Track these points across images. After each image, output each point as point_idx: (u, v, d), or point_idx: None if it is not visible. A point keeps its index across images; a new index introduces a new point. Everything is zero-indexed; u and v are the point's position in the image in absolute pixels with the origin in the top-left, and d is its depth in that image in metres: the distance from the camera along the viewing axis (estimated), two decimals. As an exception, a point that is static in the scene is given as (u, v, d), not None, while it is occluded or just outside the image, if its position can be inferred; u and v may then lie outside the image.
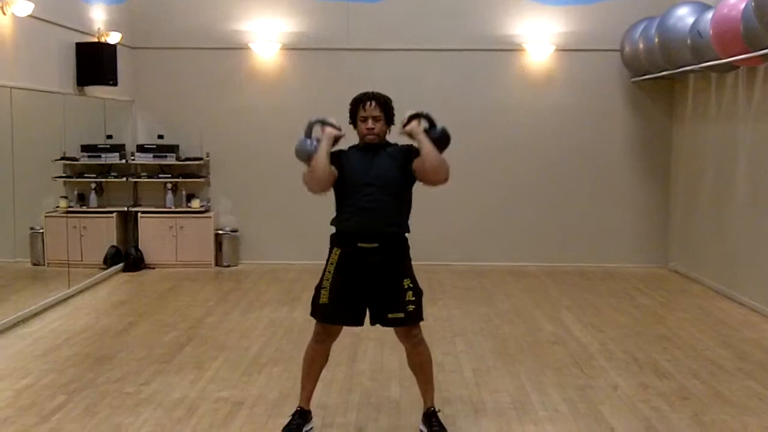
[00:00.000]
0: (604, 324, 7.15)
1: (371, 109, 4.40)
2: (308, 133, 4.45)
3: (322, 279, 4.44)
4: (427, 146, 4.33)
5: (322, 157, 4.34)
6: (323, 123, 4.44)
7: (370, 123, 4.39)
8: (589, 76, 9.93)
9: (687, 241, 9.44)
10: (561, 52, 9.88)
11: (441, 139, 4.40)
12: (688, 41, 7.77)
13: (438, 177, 4.38)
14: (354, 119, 4.47)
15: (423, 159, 4.33)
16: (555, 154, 9.98)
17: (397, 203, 4.42)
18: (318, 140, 4.40)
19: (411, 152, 4.42)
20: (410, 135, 4.40)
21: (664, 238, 10.01)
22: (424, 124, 4.43)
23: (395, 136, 4.51)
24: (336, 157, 4.41)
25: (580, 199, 10.04)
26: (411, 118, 4.43)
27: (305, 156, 4.43)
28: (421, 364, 4.53)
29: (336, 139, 4.42)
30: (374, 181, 4.35)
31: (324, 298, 4.41)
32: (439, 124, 4.44)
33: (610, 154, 10.02)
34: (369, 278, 4.36)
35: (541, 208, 10.05)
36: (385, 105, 4.44)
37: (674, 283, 9.14)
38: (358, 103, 4.44)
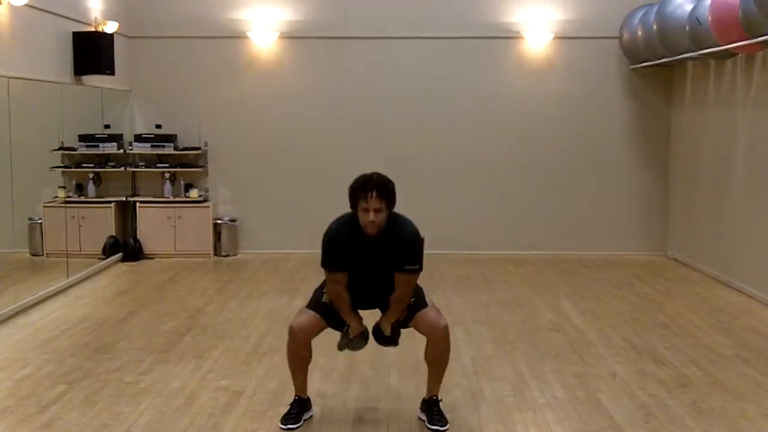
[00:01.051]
0: (603, 312, 7.16)
1: (372, 201, 4.21)
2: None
3: (323, 285, 4.51)
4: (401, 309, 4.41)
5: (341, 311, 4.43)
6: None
7: (371, 216, 4.23)
8: (588, 63, 9.91)
9: (686, 229, 9.44)
10: (559, 40, 9.85)
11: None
12: (687, 28, 7.75)
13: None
14: (354, 205, 4.31)
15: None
16: (554, 142, 9.97)
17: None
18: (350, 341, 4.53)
19: (401, 254, 4.32)
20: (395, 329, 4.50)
21: (663, 226, 10.01)
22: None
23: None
24: (340, 254, 4.35)
25: (579, 187, 10.04)
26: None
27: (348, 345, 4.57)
28: (440, 358, 4.48)
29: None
30: (373, 275, 4.37)
31: (326, 299, 4.46)
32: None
33: (608, 142, 10.01)
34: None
35: (540, 196, 10.05)
36: (387, 193, 4.26)
37: (673, 270, 9.14)
38: (358, 193, 4.25)
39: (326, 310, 4.46)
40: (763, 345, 6.12)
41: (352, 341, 4.54)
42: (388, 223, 4.31)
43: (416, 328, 4.51)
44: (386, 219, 4.29)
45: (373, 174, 4.32)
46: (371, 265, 4.36)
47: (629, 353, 5.89)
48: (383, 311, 4.51)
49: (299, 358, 4.49)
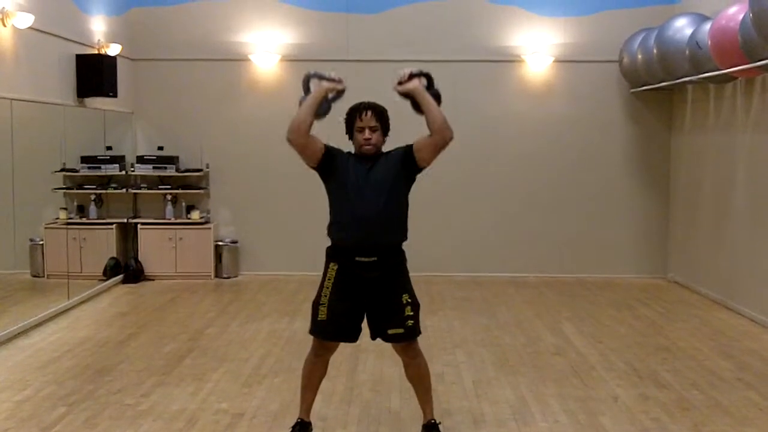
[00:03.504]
0: (604, 335, 7.15)
1: (368, 119, 4.36)
2: (306, 89, 4.46)
3: (320, 295, 4.41)
4: (431, 104, 4.35)
5: (306, 105, 4.38)
6: (320, 77, 4.43)
7: (367, 133, 4.36)
8: (588, 87, 9.96)
9: (686, 252, 9.45)
10: (560, 63, 9.91)
11: (437, 99, 4.43)
12: (687, 52, 7.80)
13: (446, 134, 4.33)
14: (350, 129, 4.43)
15: (430, 119, 4.33)
16: (554, 165, 10.00)
17: (395, 210, 4.38)
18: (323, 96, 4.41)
19: (406, 151, 4.40)
20: (407, 95, 4.40)
21: (664, 249, 10.02)
22: (424, 82, 4.43)
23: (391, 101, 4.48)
24: (334, 156, 4.39)
25: (580, 209, 10.05)
26: (412, 76, 4.41)
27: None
28: (419, 376, 4.53)
29: (338, 93, 4.44)
30: (372, 188, 4.31)
31: (323, 315, 4.40)
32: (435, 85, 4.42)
33: (609, 165, 10.03)
34: (367, 294, 4.36)
35: (540, 218, 10.06)
36: (381, 115, 4.41)
37: (674, 293, 9.14)
38: (354, 113, 4.40)
39: (333, 327, 4.41)
40: (764, 368, 6.11)
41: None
42: (383, 153, 4.42)
43: (393, 346, 4.48)
44: (381, 143, 4.40)
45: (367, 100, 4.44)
46: (368, 185, 4.33)
47: (630, 377, 5.88)
48: (377, 330, 4.46)
49: (317, 374, 4.51)
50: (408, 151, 4.39)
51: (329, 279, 4.40)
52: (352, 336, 4.46)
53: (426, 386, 4.55)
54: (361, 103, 4.43)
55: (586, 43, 9.89)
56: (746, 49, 6.57)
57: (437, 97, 4.42)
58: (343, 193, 4.35)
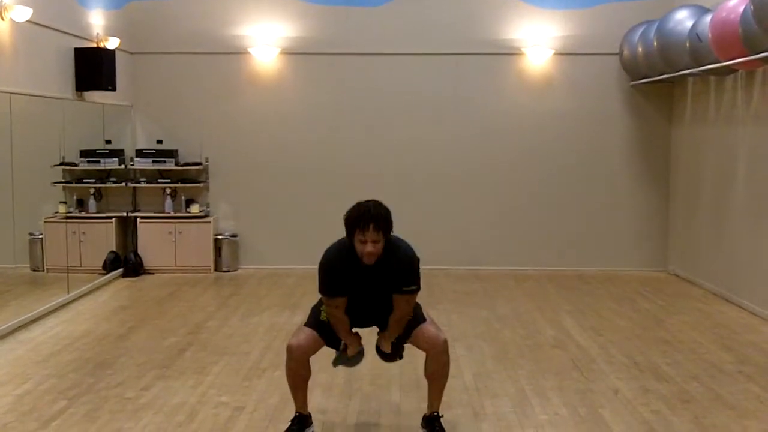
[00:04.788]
0: (605, 328, 7.15)
1: (371, 234, 4.14)
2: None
3: (321, 303, 4.48)
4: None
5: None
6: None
7: (369, 247, 4.16)
8: (588, 80, 9.94)
9: (686, 245, 9.44)
10: (560, 56, 9.89)
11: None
12: (687, 45, 7.78)
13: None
14: (351, 236, 4.22)
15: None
16: (554, 158, 9.98)
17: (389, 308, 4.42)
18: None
19: (399, 278, 4.30)
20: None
21: (664, 242, 10.01)
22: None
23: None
24: (337, 281, 4.33)
25: (580, 202, 10.04)
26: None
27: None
28: (441, 375, 4.48)
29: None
30: (370, 301, 4.37)
31: (324, 317, 4.45)
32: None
33: (609, 158, 10.02)
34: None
35: (541, 212, 10.05)
36: (385, 225, 4.18)
37: (674, 286, 9.13)
38: (355, 225, 4.16)
39: (324, 328, 4.45)
40: (765, 361, 6.10)
41: (349, 359, 4.55)
42: (384, 251, 4.25)
43: (415, 344, 4.50)
44: (383, 247, 4.20)
45: (368, 203, 4.21)
46: (369, 289, 4.34)
47: (631, 369, 5.88)
48: (381, 329, 4.51)
49: (298, 376, 4.47)
50: (398, 284, 4.31)
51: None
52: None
53: (442, 385, 4.53)
54: (363, 213, 4.16)
55: (586, 35, 9.86)
56: (747, 41, 6.55)
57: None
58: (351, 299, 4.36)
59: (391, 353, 4.53)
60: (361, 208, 4.19)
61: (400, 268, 4.29)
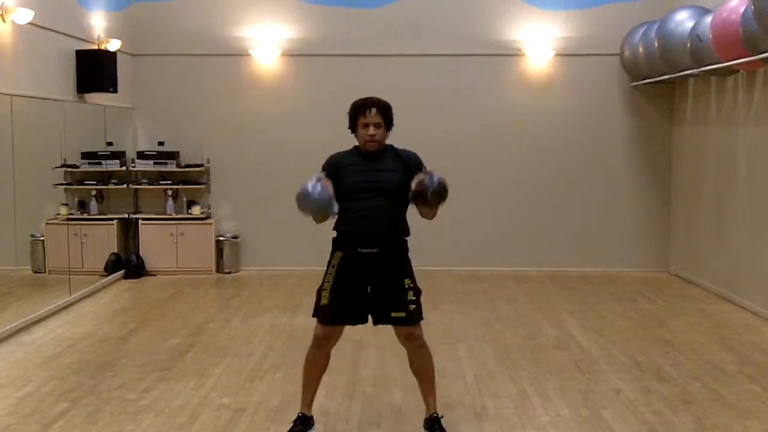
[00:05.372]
0: (606, 328, 7.14)
1: (372, 116, 4.41)
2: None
3: (323, 281, 4.48)
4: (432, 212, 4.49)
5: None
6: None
7: (371, 130, 4.41)
8: (589, 80, 9.94)
9: (688, 245, 9.44)
10: (561, 57, 9.89)
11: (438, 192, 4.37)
12: (688, 45, 7.78)
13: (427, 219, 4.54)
14: (354, 125, 4.48)
15: (423, 216, 4.51)
16: (555, 159, 9.98)
17: (396, 208, 4.45)
18: (319, 180, 4.34)
19: (411, 165, 4.45)
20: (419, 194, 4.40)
21: (665, 242, 10.01)
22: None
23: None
24: (335, 168, 4.45)
25: (582, 203, 10.04)
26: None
27: (309, 204, 4.39)
28: (423, 368, 4.54)
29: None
30: (374, 188, 4.38)
31: (325, 299, 4.45)
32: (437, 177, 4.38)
33: (610, 159, 10.02)
34: (370, 279, 4.42)
35: (542, 212, 10.05)
36: (385, 111, 4.47)
37: (675, 286, 9.13)
38: (358, 110, 4.45)
39: (335, 311, 4.43)
40: (766, 361, 6.10)
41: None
42: (387, 148, 4.50)
43: (397, 336, 4.50)
44: (385, 138, 4.46)
45: (371, 96, 4.52)
46: (372, 184, 4.38)
47: (632, 370, 5.88)
48: (380, 315, 4.47)
49: (318, 365, 4.52)
50: (410, 167, 4.45)
51: (333, 266, 4.47)
52: (355, 319, 4.48)
53: (430, 378, 4.57)
54: (365, 100, 4.48)
55: (587, 36, 9.86)
56: (747, 41, 6.55)
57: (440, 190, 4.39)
58: (347, 194, 4.39)
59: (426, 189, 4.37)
60: (364, 98, 4.52)
61: (407, 155, 4.52)
